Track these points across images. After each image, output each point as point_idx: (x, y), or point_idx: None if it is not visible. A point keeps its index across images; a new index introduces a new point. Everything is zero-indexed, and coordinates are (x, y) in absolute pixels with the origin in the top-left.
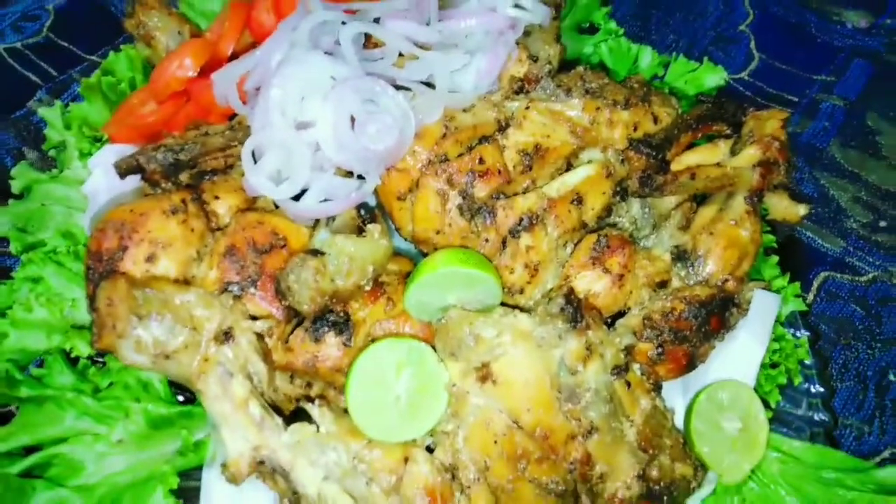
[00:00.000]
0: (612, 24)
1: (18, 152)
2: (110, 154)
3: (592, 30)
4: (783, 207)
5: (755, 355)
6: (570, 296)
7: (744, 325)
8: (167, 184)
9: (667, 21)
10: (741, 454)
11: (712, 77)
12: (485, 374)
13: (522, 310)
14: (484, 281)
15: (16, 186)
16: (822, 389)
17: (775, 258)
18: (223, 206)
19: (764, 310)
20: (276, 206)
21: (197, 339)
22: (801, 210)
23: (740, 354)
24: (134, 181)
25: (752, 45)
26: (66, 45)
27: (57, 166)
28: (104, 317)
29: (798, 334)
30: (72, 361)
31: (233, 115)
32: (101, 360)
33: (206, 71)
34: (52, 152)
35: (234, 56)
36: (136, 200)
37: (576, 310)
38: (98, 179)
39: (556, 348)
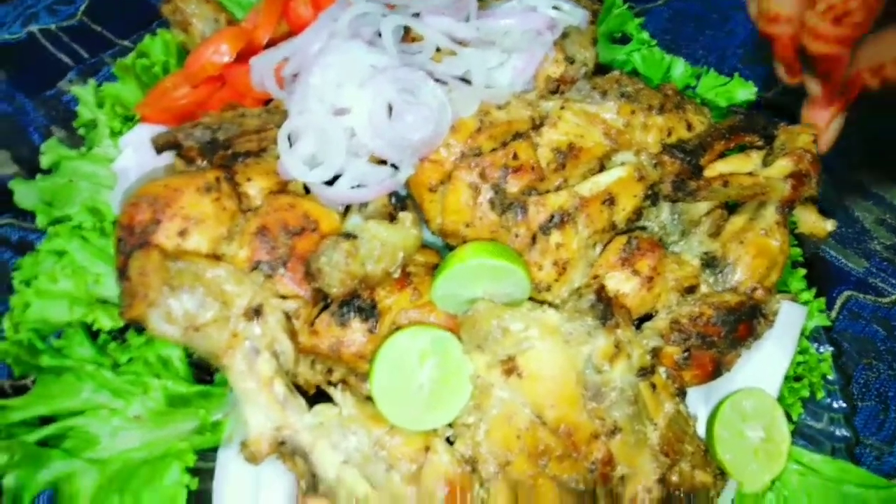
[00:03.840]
0: (645, 35)
1: (46, 130)
2: (142, 133)
3: (625, 40)
4: (811, 221)
5: (780, 366)
6: (602, 293)
7: (769, 336)
8: (202, 161)
9: (696, 38)
10: (763, 464)
11: (743, 91)
12: (510, 367)
13: (551, 305)
14: (513, 274)
15: (44, 162)
16: (844, 405)
17: (802, 271)
18: (255, 188)
19: (790, 322)
20: (307, 192)
21: (226, 315)
22: (829, 225)
23: (765, 365)
24: (164, 160)
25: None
26: (98, 29)
27: (85, 145)
28: (136, 286)
29: (822, 349)
30: (93, 335)
31: (267, 101)
32: (122, 336)
33: (241, 58)
34: (81, 130)
35: (269, 45)
36: (170, 176)
37: (606, 307)
38: (129, 158)
39: (584, 345)
